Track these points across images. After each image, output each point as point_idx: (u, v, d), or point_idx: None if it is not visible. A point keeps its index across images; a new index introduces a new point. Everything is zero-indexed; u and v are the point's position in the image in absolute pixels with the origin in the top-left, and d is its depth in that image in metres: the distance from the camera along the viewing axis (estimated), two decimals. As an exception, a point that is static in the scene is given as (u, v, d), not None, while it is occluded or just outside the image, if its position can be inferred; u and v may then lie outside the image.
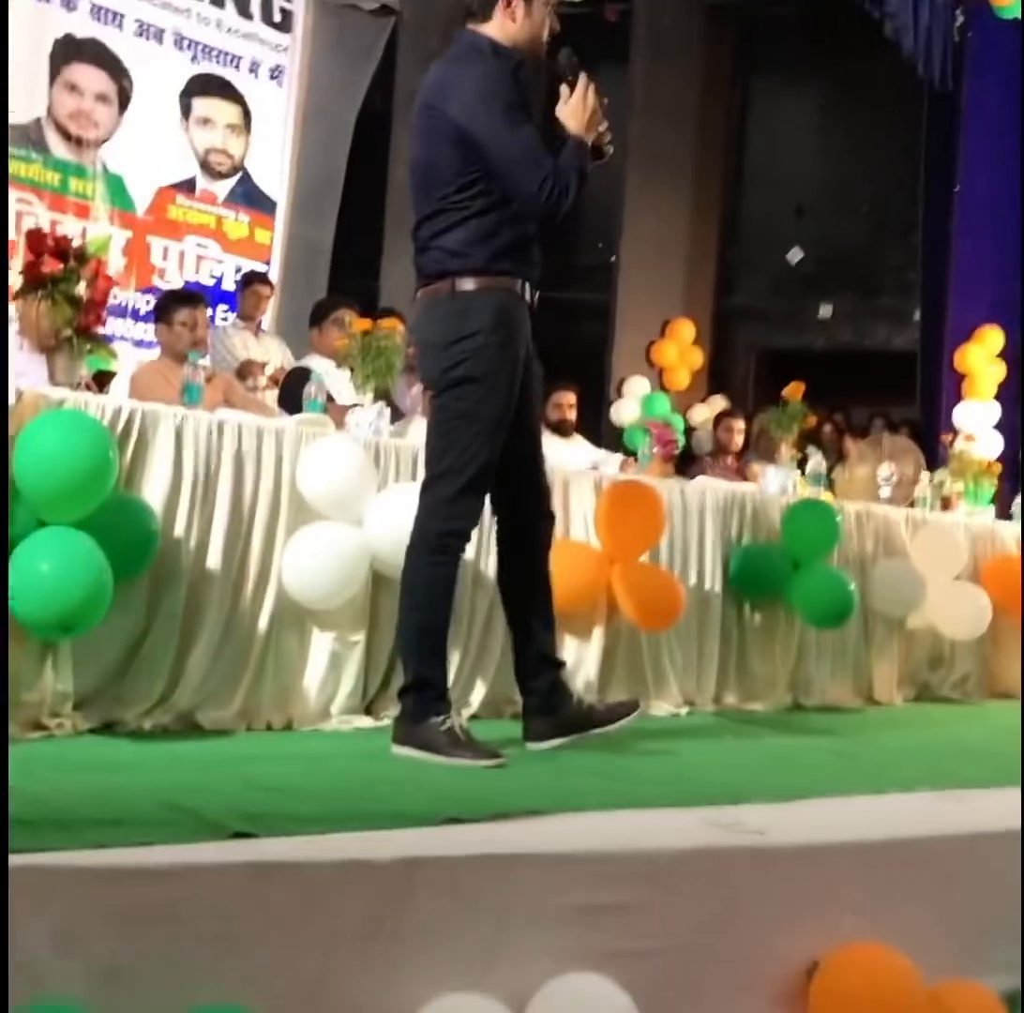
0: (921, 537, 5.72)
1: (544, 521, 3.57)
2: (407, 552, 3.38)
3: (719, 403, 9.85)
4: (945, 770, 3.63)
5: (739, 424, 7.70)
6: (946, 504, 6.51)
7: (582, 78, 3.37)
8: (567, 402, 7.08)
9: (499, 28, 3.39)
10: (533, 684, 3.54)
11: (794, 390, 5.70)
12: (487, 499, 3.42)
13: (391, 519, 3.70)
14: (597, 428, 9.26)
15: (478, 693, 4.10)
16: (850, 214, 10.89)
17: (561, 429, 7.04)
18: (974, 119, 9.42)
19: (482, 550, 4.09)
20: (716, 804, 2.78)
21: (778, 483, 5.27)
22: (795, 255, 10.98)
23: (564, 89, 3.38)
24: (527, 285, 3.42)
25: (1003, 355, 9.26)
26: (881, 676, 5.47)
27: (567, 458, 5.73)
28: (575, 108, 3.36)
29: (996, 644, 6.09)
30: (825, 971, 2.45)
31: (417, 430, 5.05)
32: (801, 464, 5.86)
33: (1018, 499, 7.20)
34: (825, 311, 11.13)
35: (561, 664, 3.63)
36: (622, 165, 10.29)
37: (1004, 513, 7.19)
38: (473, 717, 4.05)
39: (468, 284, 3.34)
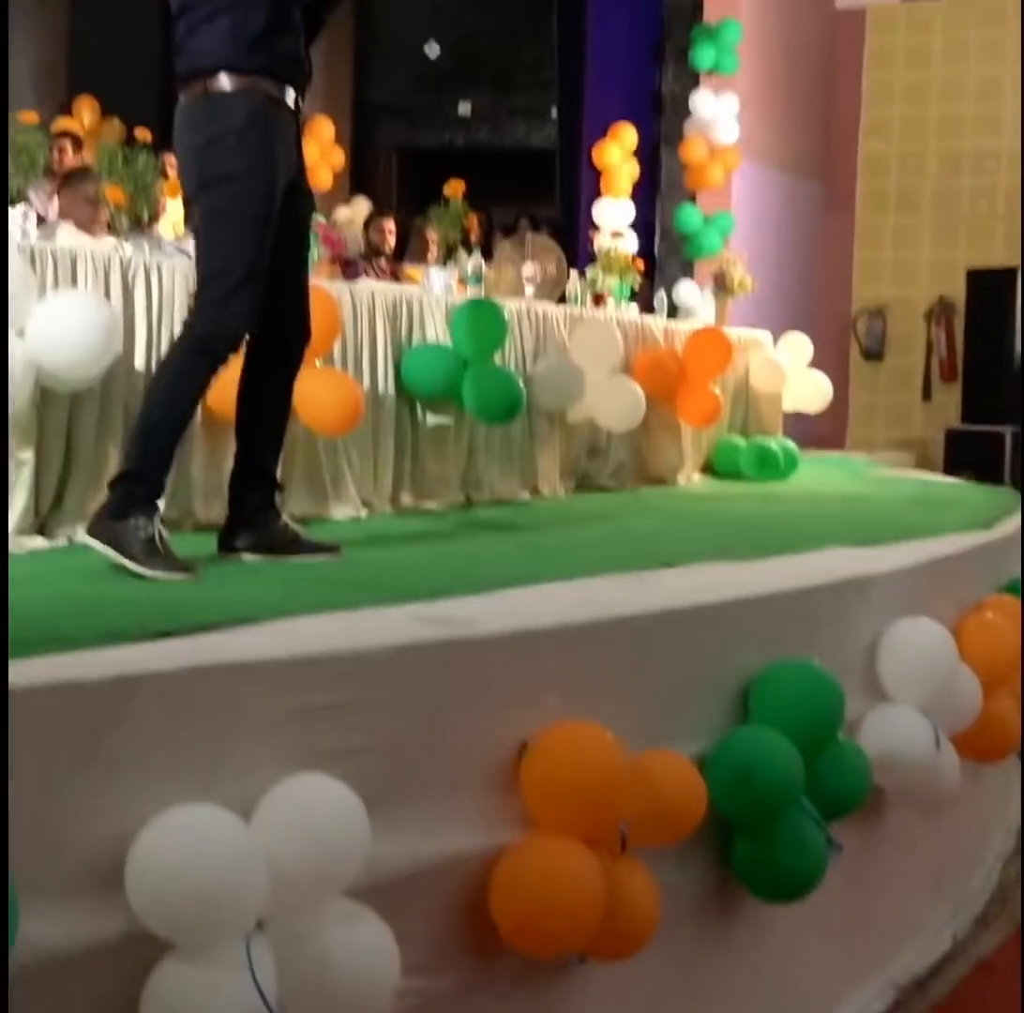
0: (577, 333, 5.85)
1: (302, 339, 3.50)
2: (169, 348, 3.30)
3: (363, 204, 9.69)
4: (620, 555, 3.78)
5: (390, 225, 7.59)
6: (597, 300, 6.68)
7: None
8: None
9: None
10: (246, 497, 3.47)
11: (454, 189, 5.65)
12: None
13: (53, 328, 3.48)
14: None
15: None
16: (486, 9, 10.78)
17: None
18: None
19: (153, 359, 3.93)
20: (421, 600, 2.80)
21: (441, 283, 5.26)
22: (433, 49, 10.82)
23: None
24: (288, 88, 3.29)
25: (636, 153, 9.45)
26: (545, 469, 5.63)
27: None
28: None
29: (647, 433, 6.37)
30: (534, 751, 2.55)
31: (65, 235, 4.78)
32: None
33: (660, 293, 7.47)
34: (464, 108, 11.07)
35: (279, 486, 3.58)
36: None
37: (645, 308, 7.46)
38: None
39: (222, 83, 3.20)
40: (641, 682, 2.84)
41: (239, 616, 2.56)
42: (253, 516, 3.48)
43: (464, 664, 2.53)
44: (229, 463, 4.14)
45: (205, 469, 4.13)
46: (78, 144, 7.24)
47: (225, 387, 4.04)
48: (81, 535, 3.68)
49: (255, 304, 3.25)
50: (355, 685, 2.35)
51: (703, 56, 9.58)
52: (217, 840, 2.05)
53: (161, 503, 3.26)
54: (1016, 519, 5.31)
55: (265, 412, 3.51)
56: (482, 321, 4.98)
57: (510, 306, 5.43)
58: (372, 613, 2.73)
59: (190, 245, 6.18)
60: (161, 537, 3.16)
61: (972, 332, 10.10)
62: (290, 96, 3.31)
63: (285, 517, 3.57)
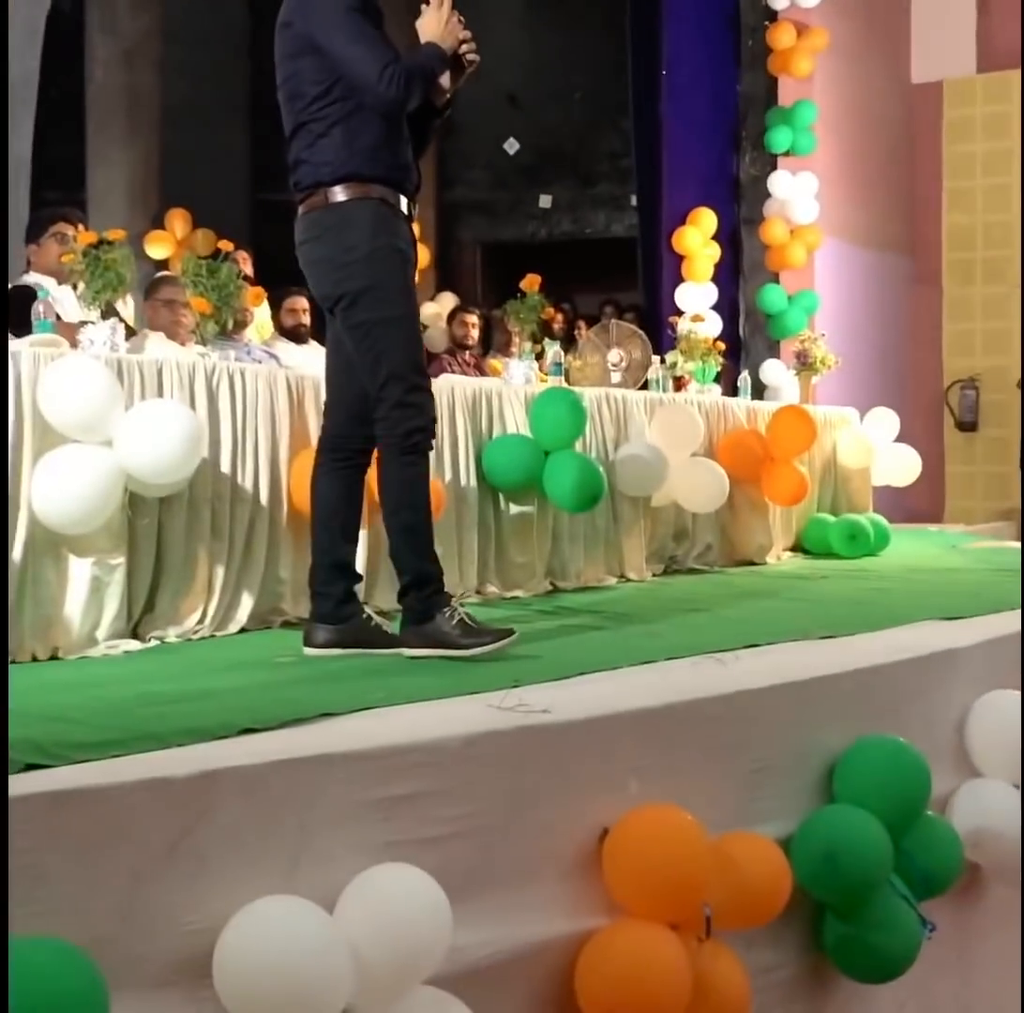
0: (658, 417, 5.90)
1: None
2: (378, 462, 3.50)
3: (449, 299, 9.87)
4: (701, 637, 3.79)
5: (473, 319, 7.74)
6: (678, 384, 6.73)
7: None
8: (301, 307, 6.98)
9: None
10: (326, 590, 3.57)
11: (531, 282, 5.76)
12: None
13: (141, 437, 3.61)
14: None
15: (245, 607, 4.07)
16: (563, 102, 10.98)
17: (296, 335, 6.96)
18: (676, 1, 9.56)
19: (238, 470, 4.05)
20: (498, 688, 2.84)
21: (521, 375, 5.35)
22: (512, 145, 11.04)
23: (424, 6, 3.49)
24: (402, 196, 3.50)
25: (717, 236, 9.54)
26: (630, 554, 5.66)
27: (307, 364, 5.67)
28: (428, 20, 3.49)
29: (733, 514, 6.38)
30: (615, 836, 2.57)
31: (153, 346, 4.95)
32: (536, 356, 5.96)
33: (744, 374, 7.50)
34: (545, 201, 11.25)
35: (359, 577, 3.68)
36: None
37: (730, 389, 7.49)
38: (242, 630, 4.04)
39: (340, 194, 3.42)
40: (722, 764, 2.85)
41: (319, 710, 2.62)
42: (333, 611, 3.55)
43: (542, 751, 2.56)
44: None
45: (293, 569, 4.22)
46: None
47: (307, 489, 4.16)
48: (172, 636, 3.80)
49: (431, 394, 3.50)
50: (434, 774, 2.40)
51: (779, 139, 9.67)
52: (302, 931, 2.09)
53: (463, 595, 3.59)
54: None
55: (340, 507, 3.61)
56: (560, 410, 5.05)
57: (589, 394, 5.51)
58: (448, 703, 2.78)
59: (279, 348, 6.38)
60: (468, 617, 3.42)
61: (1066, 399, 9.97)
62: (404, 203, 3.51)
63: (369, 610, 3.64)
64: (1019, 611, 4.26)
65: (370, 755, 2.35)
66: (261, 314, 6.76)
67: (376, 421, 3.48)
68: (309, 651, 3.54)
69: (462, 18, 3.51)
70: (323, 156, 3.43)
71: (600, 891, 2.55)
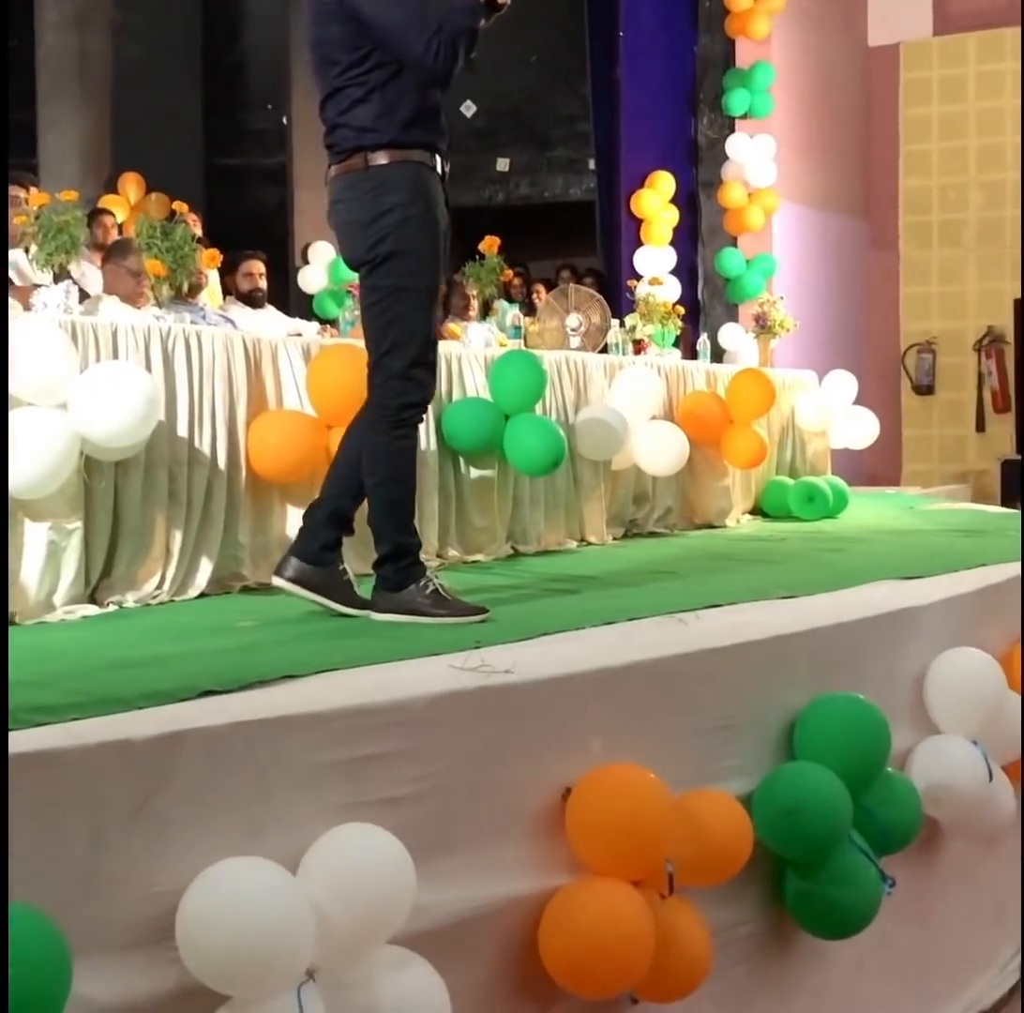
0: (618, 381, 5.90)
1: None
2: (366, 430, 3.46)
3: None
4: (663, 598, 3.80)
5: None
6: (638, 348, 6.73)
7: None
8: (257, 271, 6.94)
9: None
10: (317, 530, 3.55)
11: (489, 244, 5.73)
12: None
13: (97, 401, 3.58)
14: (285, 296, 9.10)
15: (204, 572, 4.04)
16: (519, 65, 10.91)
17: (253, 300, 6.90)
18: (632, -36, 9.51)
19: (195, 434, 4.02)
20: (460, 650, 2.84)
21: (481, 338, 5.33)
22: (469, 108, 10.96)
23: None
24: (438, 156, 3.44)
25: (675, 200, 9.53)
26: (591, 518, 5.66)
27: (264, 328, 5.63)
28: None
29: (693, 477, 6.39)
30: (577, 795, 2.58)
31: (107, 308, 4.89)
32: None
33: (703, 337, 7.51)
34: (502, 164, 11.19)
35: (352, 532, 3.64)
36: (287, 26, 10.01)
37: (689, 353, 7.50)
38: (201, 595, 4.02)
39: (381, 158, 3.37)
40: (684, 722, 2.85)
41: (282, 671, 2.61)
42: (316, 552, 3.52)
43: (505, 711, 2.56)
44: (276, 525, 4.23)
45: (252, 533, 4.20)
46: (115, 220, 7.41)
47: (266, 452, 4.13)
48: (130, 601, 3.78)
49: (434, 368, 3.48)
50: (397, 735, 2.39)
51: (737, 101, 9.67)
52: (265, 892, 2.08)
53: (425, 560, 3.57)
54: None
55: (356, 466, 3.55)
56: (521, 373, 5.04)
57: (549, 357, 5.49)
58: (412, 664, 2.77)
59: (234, 312, 6.32)
60: (442, 588, 3.43)
61: (1023, 362, 10.04)
62: (439, 163, 3.46)
63: (348, 567, 3.62)
64: (978, 570, 4.30)
65: (332, 716, 2.34)
66: (213, 279, 6.69)
67: (372, 387, 3.46)
68: (276, 580, 3.53)
69: None
70: (362, 121, 3.38)
71: (563, 850, 2.56)
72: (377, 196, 3.38)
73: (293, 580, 3.50)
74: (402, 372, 3.40)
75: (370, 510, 3.52)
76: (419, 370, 3.42)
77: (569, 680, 2.68)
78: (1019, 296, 10.16)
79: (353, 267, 3.53)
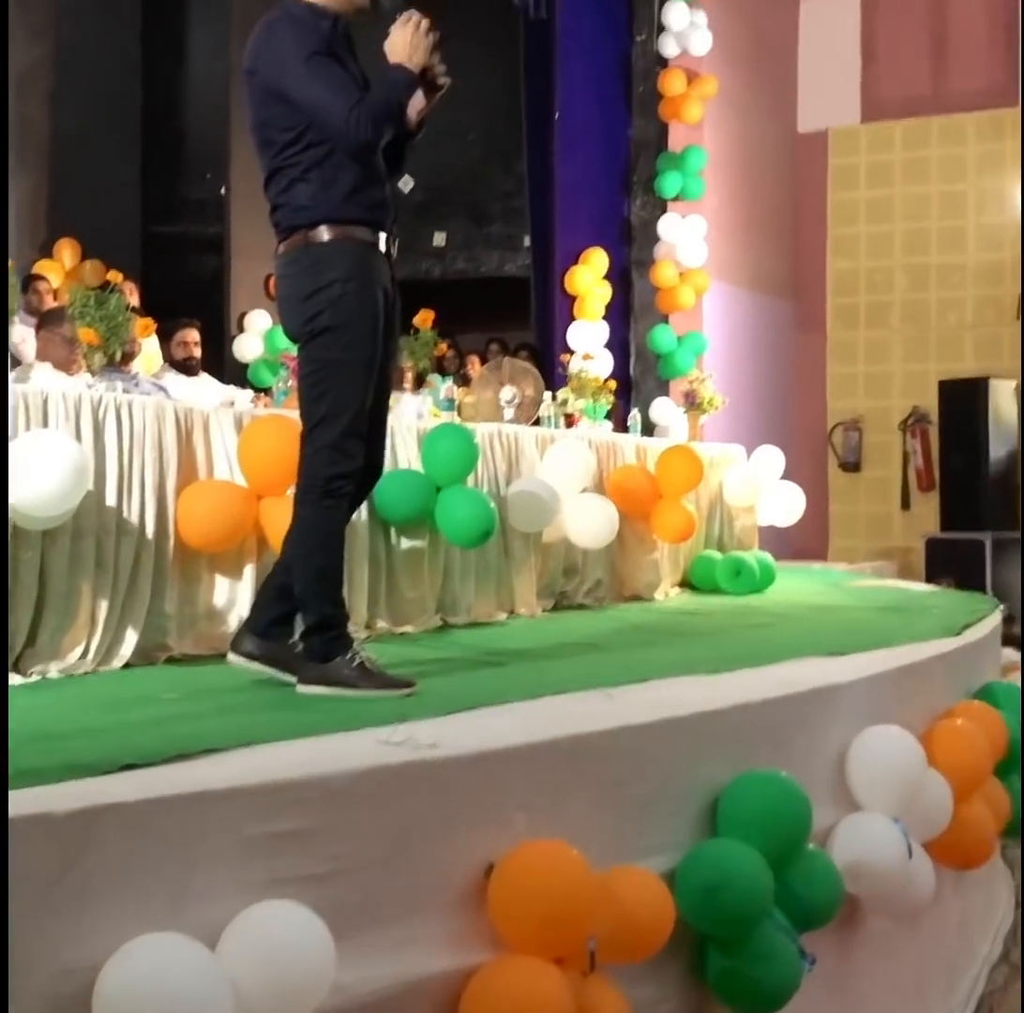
0: (550, 454, 5.95)
1: (375, 476, 3.68)
2: (296, 500, 3.50)
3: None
4: (589, 672, 3.82)
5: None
6: (570, 421, 6.80)
7: (406, 13, 3.43)
8: (192, 339, 6.95)
9: None
10: (268, 605, 3.61)
11: (424, 318, 5.80)
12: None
13: (25, 470, 3.55)
14: (220, 364, 9.11)
15: (129, 642, 4.01)
16: (457, 142, 11.05)
17: (187, 368, 6.90)
18: (568, 45, 9.68)
19: (124, 502, 4.01)
20: (386, 724, 2.84)
21: (413, 409, 5.37)
22: (407, 183, 11.08)
23: (392, 27, 3.43)
24: (381, 234, 3.48)
25: (608, 276, 9.66)
26: (521, 589, 5.68)
27: (197, 397, 5.63)
28: (394, 41, 3.41)
29: (623, 550, 6.44)
30: (500, 871, 2.57)
31: (39, 375, 4.88)
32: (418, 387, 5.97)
33: (634, 412, 7.59)
34: (439, 239, 11.30)
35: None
36: (227, 95, 10.09)
37: (620, 427, 7.58)
38: (126, 665, 3.99)
39: (323, 234, 3.41)
40: (608, 798, 2.86)
41: (205, 745, 2.60)
42: (266, 626, 3.58)
43: (429, 786, 2.56)
44: (203, 596, 4.22)
45: (179, 603, 4.18)
46: (50, 285, 7.41)
47: (194, 522, 4.12)
48: (54, 671, 3.75)
49: (364, 440, 3.49)
50: (319, 811, 2.38)
51: (669, 183, 9.85)
52: (183, 969, 2.07)
53: (353, 631, 3.60)
54: (991, 624, 5.36)
55: None
56: (452, 445, 5.07)
57: (481, 430, 5.53)
58: (336, 737, 2.77)
59: (168, 380, 6.32)
60: (369, 660, 3.45)
61: (947, 442, 10.23)
62: (382, 240, 3.50)
63: (296, 640, 3.62)
64: (901, 648, 4.36)
65: (254, 791, 2.33)
66: (149, 346, 6.69)
67: (303, 457, 3.49)
68: (232, 657, 3.60)
69: (437, 33, 3.45)
70: (300, 200, 3.43)
71: (485, 927, 2.55)
72: (316, 272, 3.42)
73: (248, 656, 3.56)
74: (333, 443, 3.43)
75: (296, 580, 3.52)
76: (351, 441, 3.45)
77: (494, 755, 2.68)
78: (943, 377, 10.37)
79: (292, 339, 3.57)
